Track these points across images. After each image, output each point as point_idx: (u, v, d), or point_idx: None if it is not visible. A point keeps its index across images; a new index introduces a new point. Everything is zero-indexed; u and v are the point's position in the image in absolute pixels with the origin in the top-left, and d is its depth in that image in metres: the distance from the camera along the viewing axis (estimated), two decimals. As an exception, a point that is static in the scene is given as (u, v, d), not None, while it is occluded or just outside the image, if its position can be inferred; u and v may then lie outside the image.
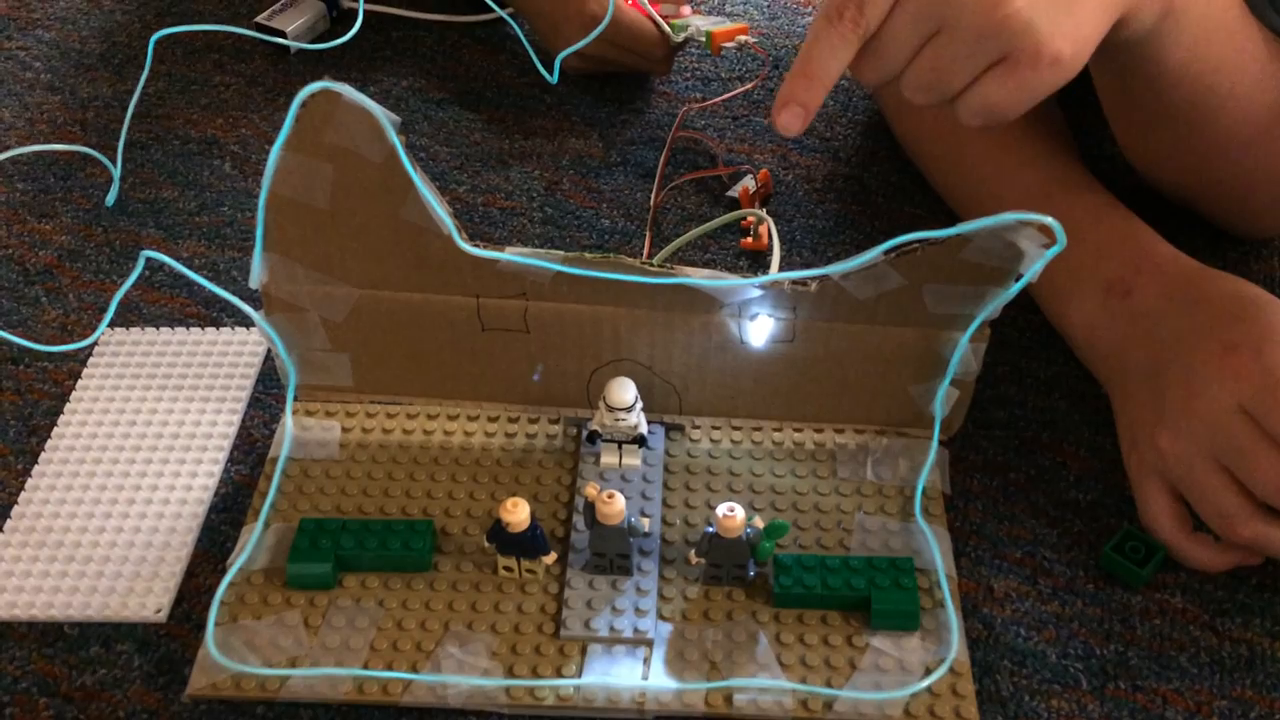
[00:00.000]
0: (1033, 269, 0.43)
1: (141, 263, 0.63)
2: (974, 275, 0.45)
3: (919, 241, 0.43)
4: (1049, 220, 0.40)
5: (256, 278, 0.48)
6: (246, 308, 0.50)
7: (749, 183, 0.67)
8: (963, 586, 0.49)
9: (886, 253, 0.44)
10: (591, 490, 0.46)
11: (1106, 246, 0.54)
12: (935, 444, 0.51)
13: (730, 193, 0.68)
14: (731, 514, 0.45)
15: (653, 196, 0.68)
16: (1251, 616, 0.49)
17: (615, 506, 0.45)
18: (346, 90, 0.42)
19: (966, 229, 0.42)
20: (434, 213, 0.45)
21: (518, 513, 0.45)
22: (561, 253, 0.46)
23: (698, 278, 0.46)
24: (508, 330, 0.50)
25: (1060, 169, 0.57)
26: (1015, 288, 0.45)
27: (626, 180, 0.70)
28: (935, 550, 0.48)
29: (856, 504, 0.51)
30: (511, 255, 0.46)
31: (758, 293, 0.47)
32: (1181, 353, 0.47)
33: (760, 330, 0.49)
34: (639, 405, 0.50)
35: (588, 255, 0.47)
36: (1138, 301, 0.51)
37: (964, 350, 0.48)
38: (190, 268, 0.64)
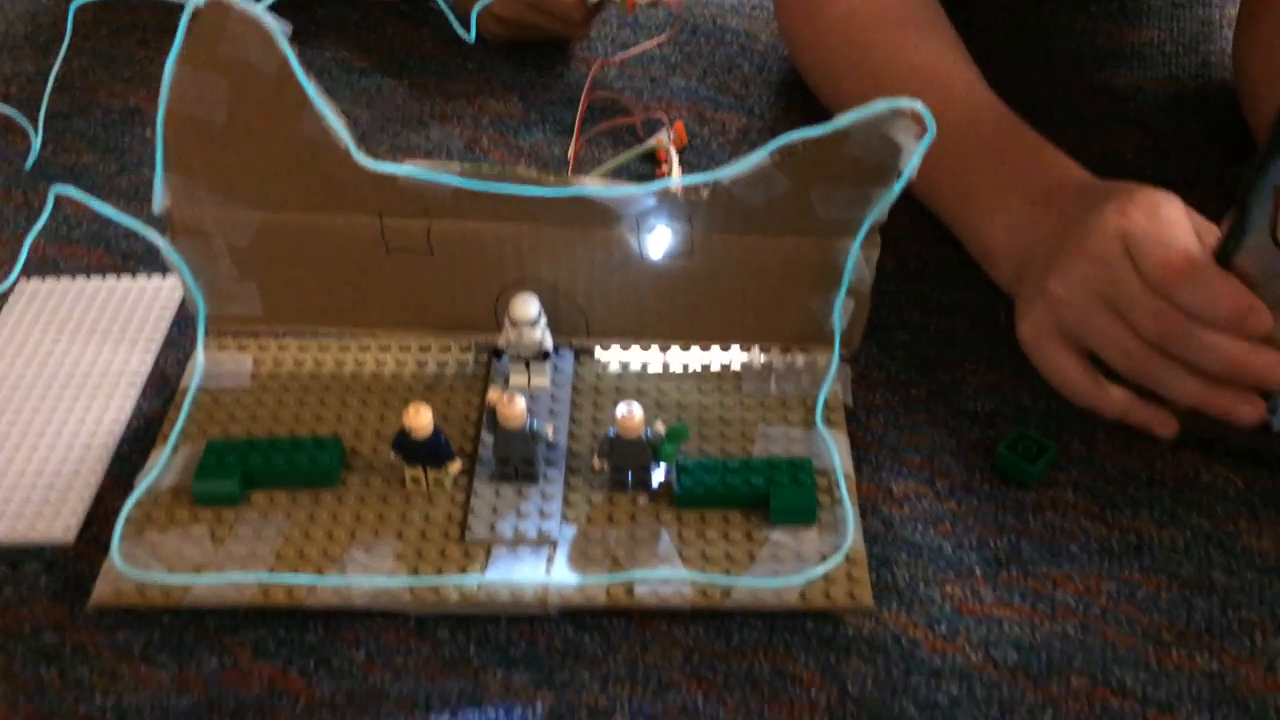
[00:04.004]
0: (911, 163, 0.45)
1: (52, 200, 0.64)
2: (857, 174, 0.47)
3: (801, 141, 0.45)
4: (918, 106, 0.42)
5: (159, 201, 0.49)
6: (153, 235, 0.50)
7: (663, 135, 0.69)
8: (863, 490, 0.51)
9: (772, 154, 0.46)
10: (493, 394, 0.47)
11: (1029, 167, 0.56)
12: (836, 355, 0.52)
13: (646, 144, 0.69)
14: (630, 413, 0.46)
15: (571, 147, 0.69)
16: (1141, 508, 0.50)
17: (515, 408, 0.46)
18: (236, 0, 0.43)
19: (842, 122, 0.44)
20: (330, 126, 0.46)
21: (420, 417, 0.46)
22: (459, 164, 0.48)
23: (593, 187, 0.48)
24: (412, 252, 0.51)
25: (982, 99, 0.60)
26: (897, 186, 0.46)
27: (545, 136, 0.72)
28: (834, 451, 0.49)
29: (760, 415, 0.52)
30: (410, 169, 0.47)
31: (653, 202, 0.48)
32: (1081, 223, 0.49)
33: (658, 242, 0.50)
34: (543, 320, 0.51)
35: (485, 168, 0.48)
36: (1056, 205, 0.53)
37: (857, 258, 0.50)
38: (107, 222, 0.65)
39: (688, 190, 0.48)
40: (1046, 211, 0.54)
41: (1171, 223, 0.47)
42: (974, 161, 0.58)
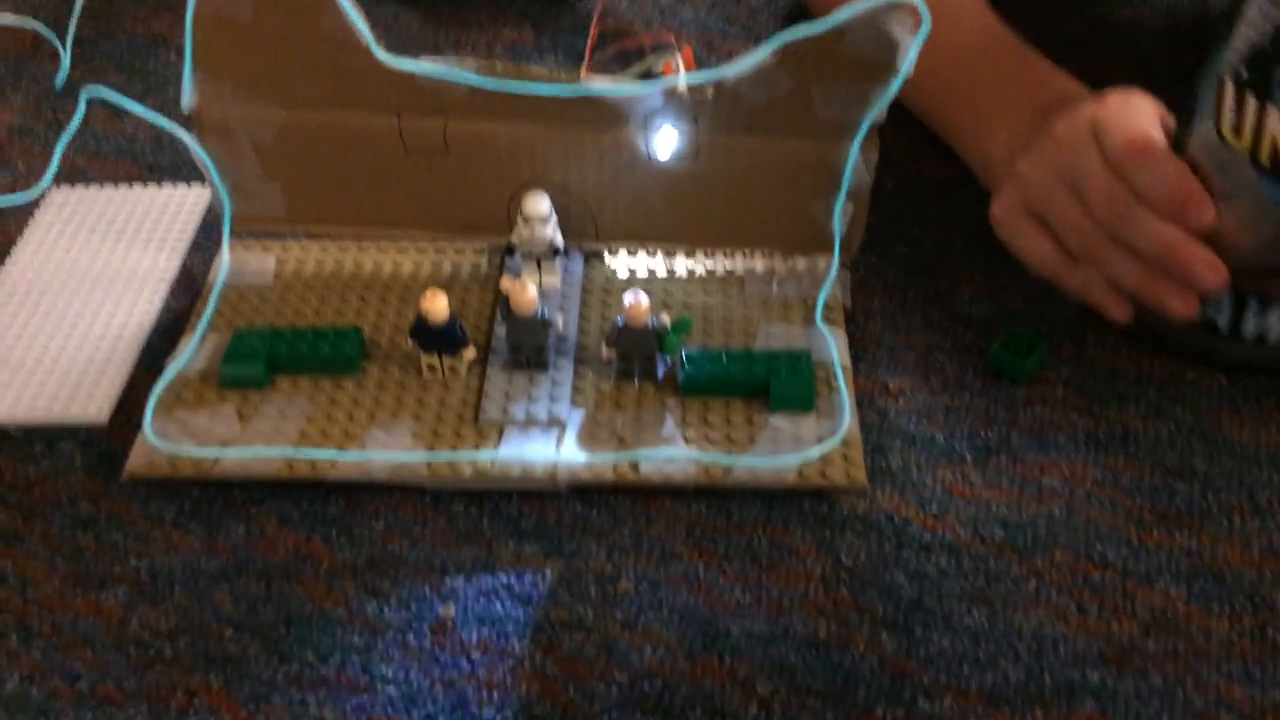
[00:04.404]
0: (908, 60, 0.47)
1: (84, 104, 0.66)
2: (856, 71, 0.48)
3: (801, 38, 0.47)
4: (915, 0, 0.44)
5: (188, 100, 0.51)
6: (181, 132, 0.53)
7: (672, 59, 0.71)
8: (860, 385, 0.53)
9: (774, 51, 0.48)
10: (506, 282, 0.49)
11: (1033, 84, 0.58)
12: (836, 254, 0.54)
13: (654, 70, 0.71)
14: (636, 300, 0.48)
15: (582, 71, 0.71)
16: (1127, 403, 0.52)
17: (527, 295, 0.48)
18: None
19: (841, 16, 0.45)
20: (351, 22, 0.48)
21: (436, 302, 0.48)
22: (475, 60, 0.50)
23: (602, 85, 0.50)
24: (429, 152, 0.53)
25: (988, 24, 0.62)
26: (895, 84, 0.48)
27: (557, 63, 0.73)
28: (832, 345, 0.52)
29: (762, 315, 0.54)
30: (427, 65, 0.49)
31: (660, 102, 0.50)
32: (1058, 114, 0.51)
33: (665, 142, 0.52)
34: (554, 219, 0.53)
35: (499, 66, 0.50)
36: (1053, 116, 0.54)
37: (855, 159, 0.52)
38: (135, 137, 0.68)
39: (693, 90, 0.50)
40: (1043, 122, 0.55)
41: (1140, 110, 0.49)
42: (979, 78, 0.60)
